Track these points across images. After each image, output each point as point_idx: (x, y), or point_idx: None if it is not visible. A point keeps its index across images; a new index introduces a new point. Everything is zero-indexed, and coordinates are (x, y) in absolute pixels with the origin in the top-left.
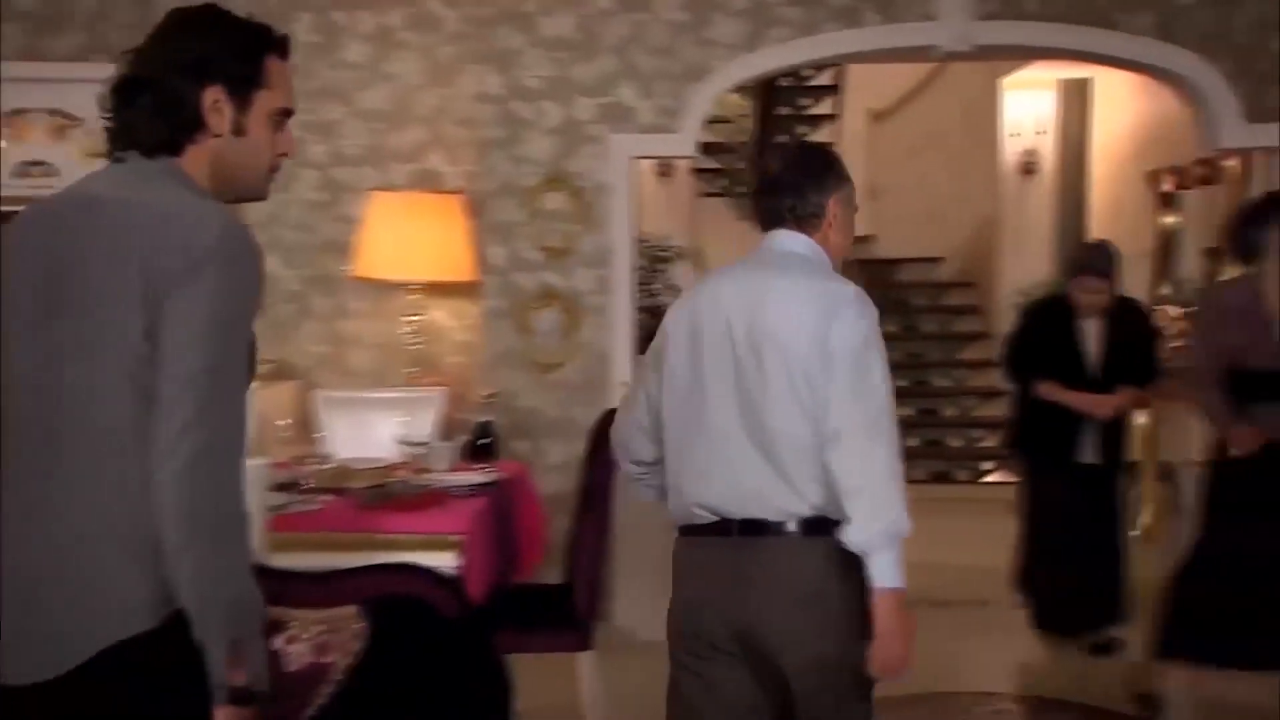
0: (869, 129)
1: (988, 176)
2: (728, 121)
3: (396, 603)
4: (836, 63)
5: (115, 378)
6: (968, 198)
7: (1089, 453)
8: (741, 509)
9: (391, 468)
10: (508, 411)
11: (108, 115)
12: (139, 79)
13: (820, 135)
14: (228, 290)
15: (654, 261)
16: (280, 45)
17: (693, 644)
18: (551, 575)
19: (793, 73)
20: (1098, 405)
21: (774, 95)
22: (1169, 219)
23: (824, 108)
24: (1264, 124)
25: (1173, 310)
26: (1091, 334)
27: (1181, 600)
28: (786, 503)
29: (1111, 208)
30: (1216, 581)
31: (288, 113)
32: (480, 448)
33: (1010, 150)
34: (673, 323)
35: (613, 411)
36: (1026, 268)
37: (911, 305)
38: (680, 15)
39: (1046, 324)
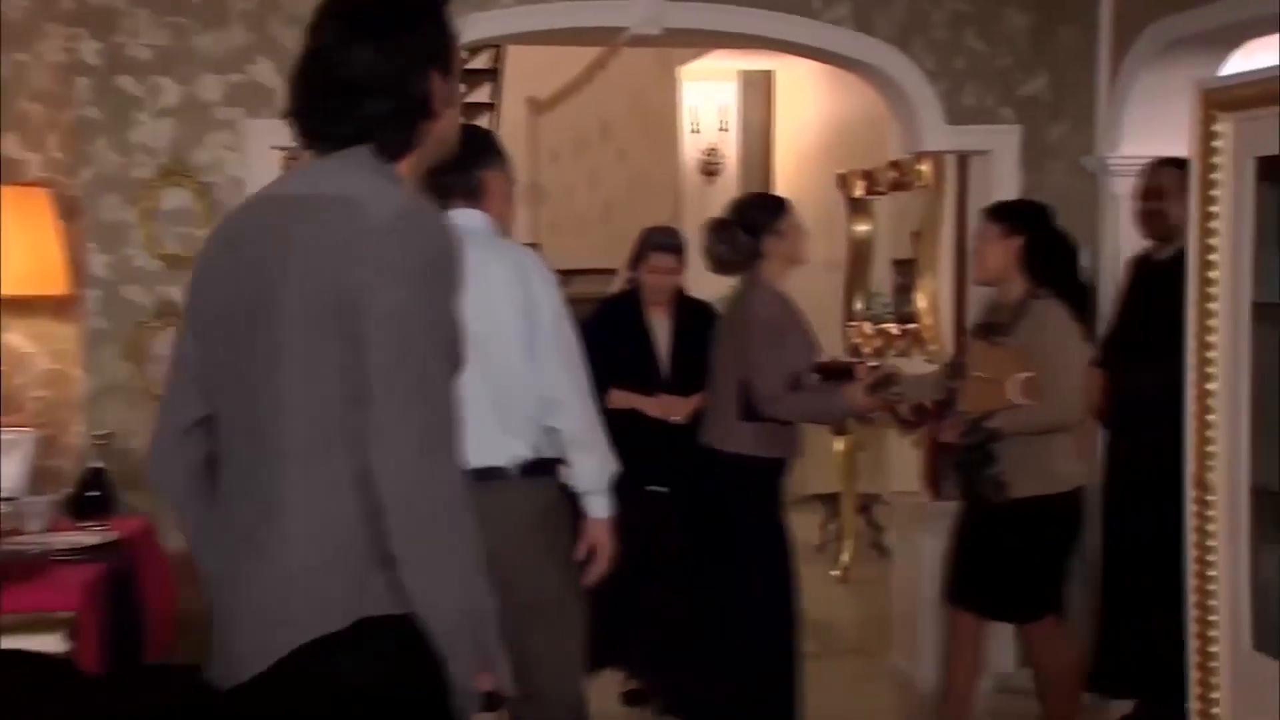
0: (530, 120)
1: (666, 177)
2: None
3: None
4: (511, 42)
5: (313, 380)
6: (644, 201)
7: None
8: (477, 459)
9: None
10: (121, 456)
11: (319, 112)
12: (363, 80)
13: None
14: (422, 278)
15: None
16: None
17: None
18: (185, 655)
19: None
20: (671, 408)
21: None
22: (861, 227)
23: (481, 95)
24: (964, 125)
25: (867, 327)
26: (661, 332)
27: None
28: (513, 449)
29: (801, 214)
30: None
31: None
32: (88, 501)
33: (691, 148)
34: None
35: None
36: (713, 281)
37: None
38: None
39: (615, 322)
